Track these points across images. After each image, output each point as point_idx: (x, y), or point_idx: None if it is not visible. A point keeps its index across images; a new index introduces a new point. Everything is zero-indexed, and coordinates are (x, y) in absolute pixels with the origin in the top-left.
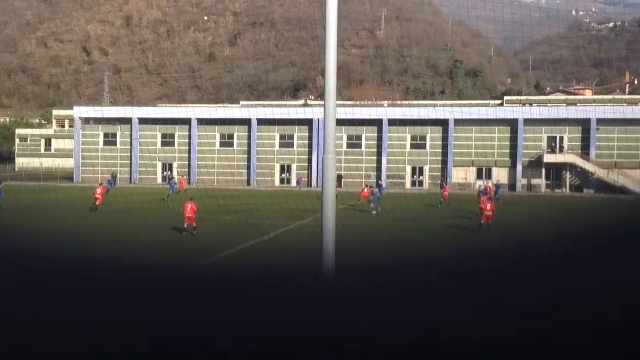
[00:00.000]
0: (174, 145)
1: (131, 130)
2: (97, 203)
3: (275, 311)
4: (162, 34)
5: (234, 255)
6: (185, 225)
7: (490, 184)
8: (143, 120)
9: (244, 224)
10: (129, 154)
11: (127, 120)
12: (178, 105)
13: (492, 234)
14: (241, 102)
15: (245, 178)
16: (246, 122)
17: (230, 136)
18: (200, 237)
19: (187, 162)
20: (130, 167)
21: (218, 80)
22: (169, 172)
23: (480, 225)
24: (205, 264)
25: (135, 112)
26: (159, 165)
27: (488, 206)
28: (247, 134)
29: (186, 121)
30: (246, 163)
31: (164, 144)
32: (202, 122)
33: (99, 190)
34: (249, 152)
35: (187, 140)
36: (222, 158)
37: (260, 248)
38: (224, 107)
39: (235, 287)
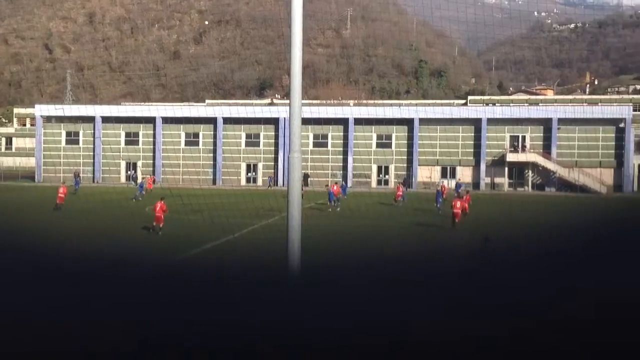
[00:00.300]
0: (138, 144)
1: (94, 129)
2: (61, 203)
3: (240, 310)
4: (126, 31)
5: (199, 254)
6: (154, 224)
7: (445, 184)
8: (106, 119)
9: (209, 223)
10: (92, 153)
11: (89, 119)
12: (142, 103)
13: (458, 232)
14: (207, 101)
15: (211, 177)
16: (212, 121)
17: (196, 135)
18: (166, 236)
19: (151, 162)
20: (94, 166)
21: (183, 78)
22: (133, 172)
23: (453, 223)
24: (171, 264)
25: (98, 111)
26: (123, 164)
27: (458, 204)
28: (212, 132)
29: (150, 120)
30: (212, 162)
31: (127, 142)
32: (167, 120)
33: (61, 190)
34: (214, 151)
35: (151, 139)
36: (188, 157)
37: (226, 247)
38: (189, 105)
39: (201, 286)
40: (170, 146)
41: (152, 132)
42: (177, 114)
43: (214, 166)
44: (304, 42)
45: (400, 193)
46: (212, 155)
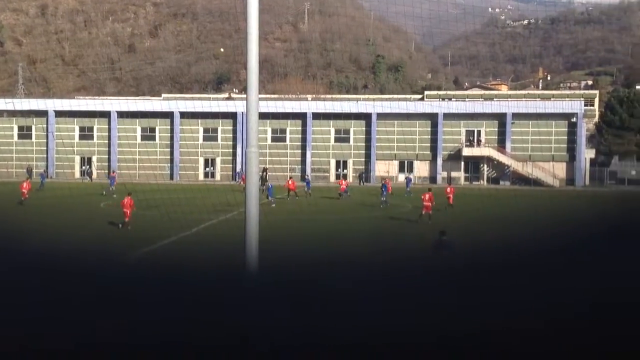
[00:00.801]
0: (92, 139)
1: (47, 123)
2: (24, 198)
3: (195, 309)
4: (79, 24)
5: (156, 250)
6: (125, 221)
7: (388, 179)
8: (59, 113)
9: (166, 219)
10: (45, 148)
11: (42, 113)
12: (97, 97)
13: (432, 225)
14: (163, 95)
15: (168, 172)
16: (168, 115)
17: (152, 129)
18: (121, 233)
19: (106, 157)
20: (47, 161)
21: (139, 72)
22: (88, 167)
23: (420, 215)
24: (126, 261)
25: (51, 105)
26: (77, 159)
27: (427, 197)
28: (169, 127)
29: (105, 114)
30: (169, 157)
31: (82, 137)
32: (122, 115)
33: (24, 184)
34: (171, 146)
35: (106, 134)
36: (144, 152)
37: (183, 243)
38: (145, 99)
39: (156, 284)
40: (126, 141)
41: (107, 126)
42: (132, 108)
43: (171, 161)
44: (261, 36)
45: (344, 187)
46: (169, 150)
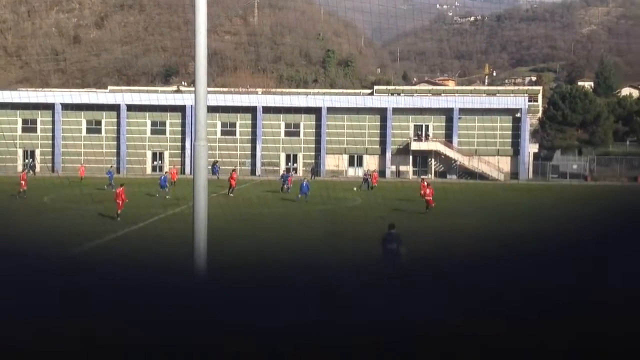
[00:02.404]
0: (36, 132)
1: None
2: (23, 189)
3: (140, 309)
4: (22, 14)
5: (99, 247)
6: (119, 211)
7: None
8: (1, 105)
9: (112, 214)
10: None
11: None
12: (41, 89)
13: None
14: (109, 87)
15: (115, 166)
16: (115, 108)
17: (98, 122)
18: (65, 228)
19: (50, 150)
20: None
21: (84, 64)
22: (31, 160)
23: (427, 208)
24: (68, 257)
25: None
26: (20, 152)
27: (427, 191)
28: (116, 120)
29: (49, 106)
30: (115, 150)
31: (25, 130)
32: (67, 107)
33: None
34: (118, 139)
35: (50, 127)
36: (89, 145)
37: (129, 239)
38: (88, 92)
39: (99, 281)
40: (70, 134)
41: (51, 119)
42: (77, 100)
43: (118, 154)
44: (211, 29)
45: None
46: (115, 143)
